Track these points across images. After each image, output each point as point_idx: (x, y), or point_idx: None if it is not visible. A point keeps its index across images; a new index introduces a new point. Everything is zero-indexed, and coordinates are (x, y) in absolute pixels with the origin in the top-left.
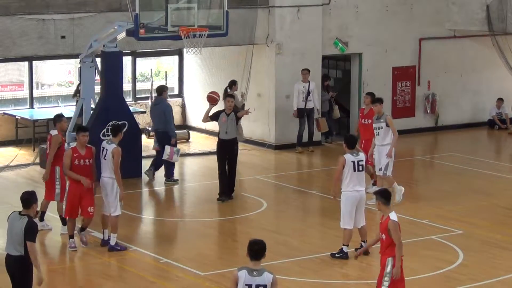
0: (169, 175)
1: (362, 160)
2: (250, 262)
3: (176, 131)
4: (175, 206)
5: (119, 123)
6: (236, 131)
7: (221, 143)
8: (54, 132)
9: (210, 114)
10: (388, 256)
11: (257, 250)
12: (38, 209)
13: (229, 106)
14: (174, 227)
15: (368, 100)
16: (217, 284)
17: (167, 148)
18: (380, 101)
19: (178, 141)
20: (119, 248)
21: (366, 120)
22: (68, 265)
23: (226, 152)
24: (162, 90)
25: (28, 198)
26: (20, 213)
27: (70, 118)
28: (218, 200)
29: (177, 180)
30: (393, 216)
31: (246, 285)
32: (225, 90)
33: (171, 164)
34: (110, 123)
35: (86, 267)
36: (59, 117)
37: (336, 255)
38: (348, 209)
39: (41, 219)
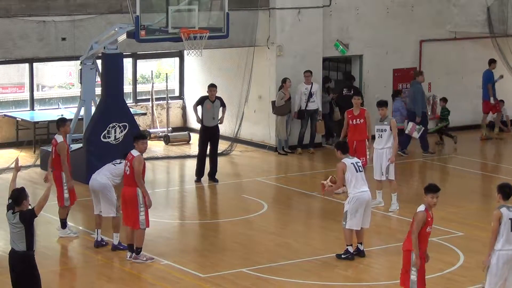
0: (424, 147)
1: (359, 161)
2: (502, 201)
3: (178, 133)
4: (175, 208)
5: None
6: (218, 118)
7: (206, 129)
8: (59, 138)
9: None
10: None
11: (508, 192)
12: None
13: (212, 94)
14: (174, 228)
15: (358, 101)
16: (217, 286)
17: (410, 124)
18: (386, 104)
19: (178, 143)
20: (122, 247)
21: (358, 120)
22: (69, 266)
23: (209, 137)
24: (415, 75)
25: (18, 195)
26: (13, 212)
27: (71, 120)
28: (196, 181)
29: (434, 153)
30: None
31: (510, 219)
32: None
33: (425, 140)
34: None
35: (87, 269)
36: (63, 121)
37: (342, 256)
38: (359, 210)
39: (64, 226)
